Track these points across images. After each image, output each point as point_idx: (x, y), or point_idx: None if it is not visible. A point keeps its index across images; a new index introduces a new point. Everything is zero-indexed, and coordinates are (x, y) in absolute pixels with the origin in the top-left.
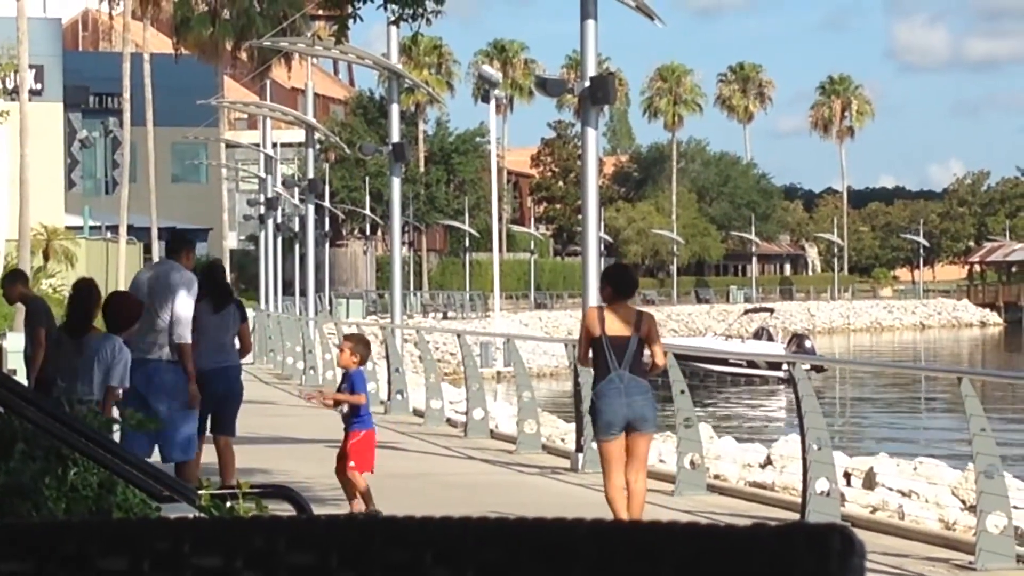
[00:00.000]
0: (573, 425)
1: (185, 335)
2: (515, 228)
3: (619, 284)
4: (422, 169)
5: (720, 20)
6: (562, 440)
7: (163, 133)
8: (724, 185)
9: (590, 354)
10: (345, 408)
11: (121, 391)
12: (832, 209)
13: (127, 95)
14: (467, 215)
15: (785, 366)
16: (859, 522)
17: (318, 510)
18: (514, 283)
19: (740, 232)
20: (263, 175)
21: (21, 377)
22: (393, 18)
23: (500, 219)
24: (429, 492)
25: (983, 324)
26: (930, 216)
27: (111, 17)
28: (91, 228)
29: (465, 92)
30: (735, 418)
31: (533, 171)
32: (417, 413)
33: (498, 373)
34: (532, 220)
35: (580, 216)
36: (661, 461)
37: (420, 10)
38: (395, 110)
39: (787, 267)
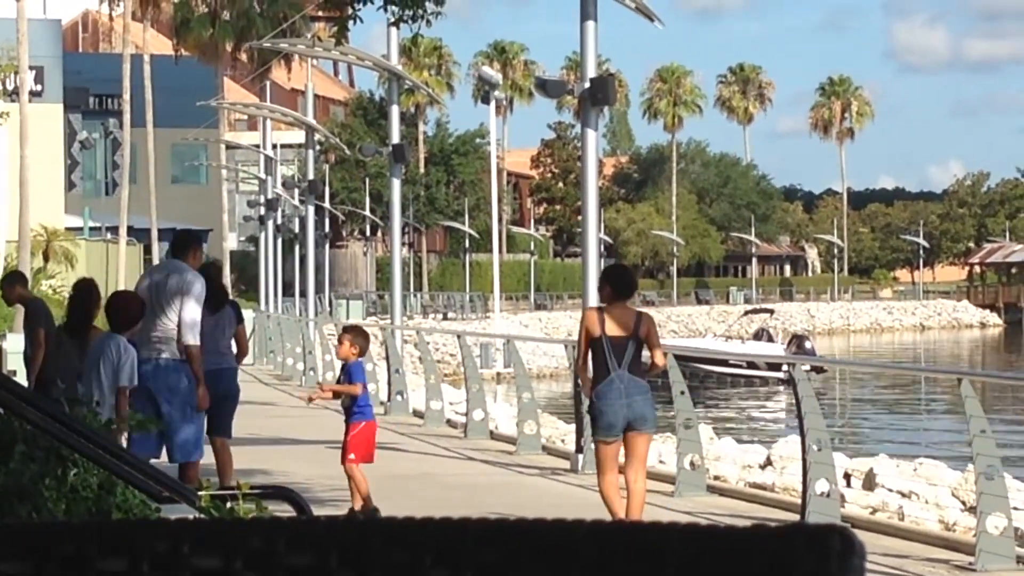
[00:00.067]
0: (573, 426)
1: (193, 338)
2: (515, 229)
3: (618, 285)
4: (422, 170)
5: (720, 21)
6: (562, 441)
7: (163, 134)
8: (724, 186)
9: (589, 359)
10: (346, 400)
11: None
12: (832, 210)
13: (127, 96)
14: (467, 216)
15: (785, 367)
16: (859, 523)
17: (318, 511)
18: (514, 284)
19: (740, 233)
20: (263, 176)
21: (21, 378)
22: (393, 19)
23: (500, 220)
24: (429, 493)
25: (983, 325)
26: (930, 217)
27: (111, 18)
28: (91, 229)
29: (465, 93)
30: (735, 419)
31: (533, 172)
32: (417, 414)
33: (498, 374)
34: (532, 221)
35: (580, 217)
36: (661, 462)
37: (420, 11)
38: (395, 111)
39: (787, 268)
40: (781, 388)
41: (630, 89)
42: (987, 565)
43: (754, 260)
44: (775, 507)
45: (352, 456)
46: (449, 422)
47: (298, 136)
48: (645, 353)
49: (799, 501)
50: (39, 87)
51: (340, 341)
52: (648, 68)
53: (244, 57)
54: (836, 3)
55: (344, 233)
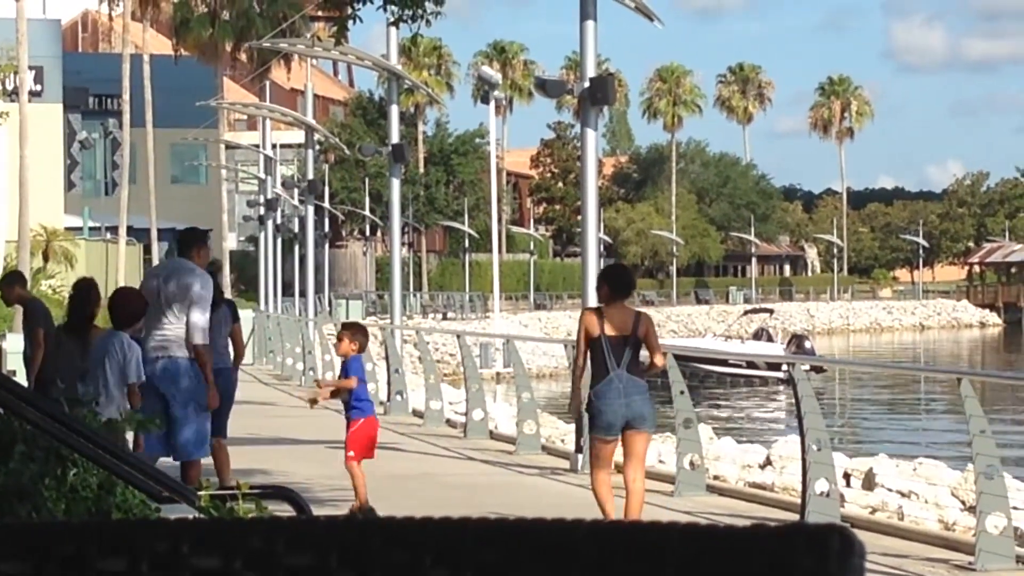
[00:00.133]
0: (572, 426)
1: (203, 339)
2: (514, 229)
3: (616, 284)
4: (422, 170)
5: (719, 21)
6: (562, 441)
7: (163, 134)
8: (723, 186)
9: (587, 359)
10: (345, 395)
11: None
12: (831, 210)
13: (127, 96)
14: (467, 216)
15: (785, 367)
16: (859, 523)
17: (317, 511)
18: (514, 284)
19: (739, 233)
20: (263, 176)
21: (21, 378)
22: (392, 19)
23: (499, 220)
24: (429, 493)
25: (982, 325)
26: (929, 217)
27: (111, 18)
28: (91, 229)
29: (465, 93)
30: (735, 419)
31: (532, 172)
32: (417, 414)
33: (497, 374)
34: (531, 221)
35: (579, 217)
36: (661, 461)
37: (419, 11)
38: (394, 111)
39: (787, 268)
40: (781, 388)
41: (630, 89)
42: (987, 565)
43: (754, 260)
44: (775, 507)
45: (351, 453)
46: (449, 422)
47: (298, 136)
48: (644, 353)
49: (799, 501)
50: (39, 87)
51: (339, 338)
52: (648, 68)
53: (244, 57)
54: (836, 3)
55: (344, 233)
